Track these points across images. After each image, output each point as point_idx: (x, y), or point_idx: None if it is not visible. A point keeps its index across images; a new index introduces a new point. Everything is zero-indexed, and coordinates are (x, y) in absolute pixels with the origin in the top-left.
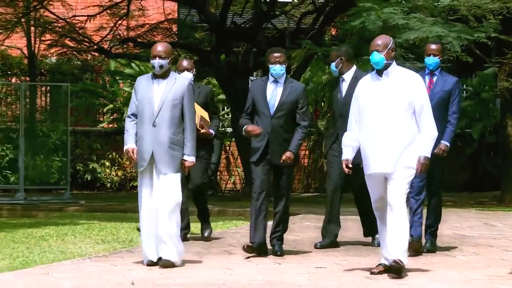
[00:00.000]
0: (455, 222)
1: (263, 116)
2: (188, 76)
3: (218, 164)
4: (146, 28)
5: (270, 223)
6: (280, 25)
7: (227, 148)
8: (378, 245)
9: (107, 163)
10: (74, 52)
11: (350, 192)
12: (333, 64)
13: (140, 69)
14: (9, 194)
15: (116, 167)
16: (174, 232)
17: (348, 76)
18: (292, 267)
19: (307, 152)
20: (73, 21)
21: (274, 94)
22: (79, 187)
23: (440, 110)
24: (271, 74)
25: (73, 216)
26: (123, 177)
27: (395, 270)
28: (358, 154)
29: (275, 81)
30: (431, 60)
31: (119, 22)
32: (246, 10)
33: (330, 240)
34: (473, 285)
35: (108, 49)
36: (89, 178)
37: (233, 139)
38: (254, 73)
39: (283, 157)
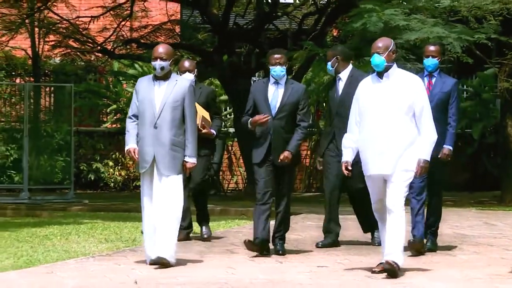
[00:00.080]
0: (456, 222)
1: None
2: (189, 77)
3: (220, 164)
4: (149, 29)
5: (272, 223)
6: (282, 26)
7: (230, 148)
8: (379, 244)
9: (111, 163)
10: (78, 53)
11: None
12: (329, 64)
13: (143, 69)
14: (14, 193)
15: (119, 167)
16: (173, 234)
17: (344, 75)
18: (293, 266)
19: (308, 152)
20: (77, 22)
21: (275, 95)
22: (83, 186)
23: (439, 111)
24: (271, 76)
25: (77, 216)
26: (126, 176)
27: (388, 271)
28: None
29: (276, 83)
30: (430, 62)
31: (123, 23)
32: (248, 11)
33: (331, 239)
34: (473, 284)
35: (112, 50)
36: (92, 178)
37: (235, 139)
38: (256, 74)
39: (281, 157)
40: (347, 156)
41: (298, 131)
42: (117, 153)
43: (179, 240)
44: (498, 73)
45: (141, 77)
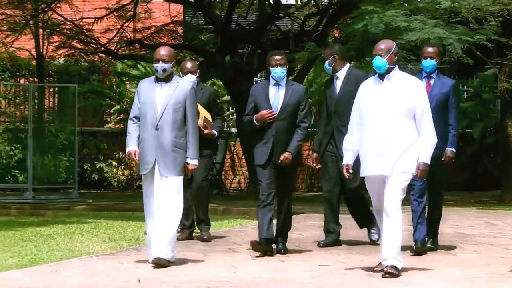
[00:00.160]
0: (456, 221)
1: None
2: (191, 79)
3: (223, 164)
4: (152, 30)
5: (274, 222)
6: (284, 27)
7: (232, 148)
8: (375, 240)
9: (114, 163)
10: (82, 54)
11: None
12: (326, 63)
13: (146, 70)
14: (18, 193)
15: (122, 167)
16: (173, 235)
17: (341, 74)
18: (295, 265)
19: (310, 152)
20: (81, 23)
21: (276, 96)
22: (87, 186)
23: (438, 113)
24: (272, 77)
25: (81, 215)
26: (129, 176)
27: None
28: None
29: (277, 84)
30: (428, 63)
31: (126, 24)
32: (250, 12)
33: (332, 238)
34: (473, 283)
35: (115, 50)
36: (96, 178)
37: (238, 139)
38: (258, 74)
39: (281, 158)
40: (348, 159)
41: (298, 132)
42: (120, 153)
43: (182, 239)
44: (498, 73)
45: (143, 79)
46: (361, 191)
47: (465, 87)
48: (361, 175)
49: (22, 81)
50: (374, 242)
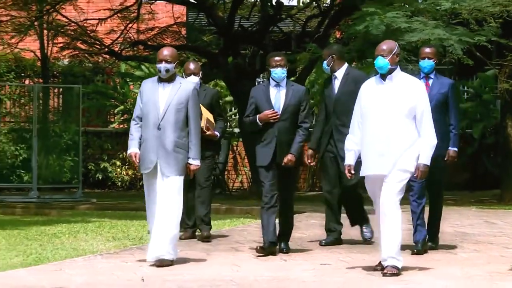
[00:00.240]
0: (456, 220)
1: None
2: (194, 80)
3: (225, 164)
4: (155, 31)
5: (276, 222)
6: (286, 29)
7: (235, 148)
8: (368, 238)
9: (118, 163)
10: (86, 55)
11: None
12: (324, 63)
13: (150, 71)
14: (23, 192)
15: (126, 167)
16: (174, 234)
17: (339, 73)
18: (297, 263)
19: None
20: (85, 24)
21: (277, 97)
22: (91, 186)
23: (438, 112)
24: (272, 78)
25: (85, 214)
26: (133, 176)
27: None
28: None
29: (277, 85)
30: (426, 63)
31: (130, 25)
32: (253, 13)
33: (334, 237)
34: (473, 282)
35: (119, 51)
36: (100, 177)
37: (240, 139)
38: (261, 75)
39: (285, 160)
40: (350, 159)
41: (300, 133)
42: (124, 153)
43: (185, 238)
44: (498, 74)
45: (146, 79)
46: (358, 189)
47: (466, 87)
48: (361, 174)
49: (27, 81)
50: (367, 241)
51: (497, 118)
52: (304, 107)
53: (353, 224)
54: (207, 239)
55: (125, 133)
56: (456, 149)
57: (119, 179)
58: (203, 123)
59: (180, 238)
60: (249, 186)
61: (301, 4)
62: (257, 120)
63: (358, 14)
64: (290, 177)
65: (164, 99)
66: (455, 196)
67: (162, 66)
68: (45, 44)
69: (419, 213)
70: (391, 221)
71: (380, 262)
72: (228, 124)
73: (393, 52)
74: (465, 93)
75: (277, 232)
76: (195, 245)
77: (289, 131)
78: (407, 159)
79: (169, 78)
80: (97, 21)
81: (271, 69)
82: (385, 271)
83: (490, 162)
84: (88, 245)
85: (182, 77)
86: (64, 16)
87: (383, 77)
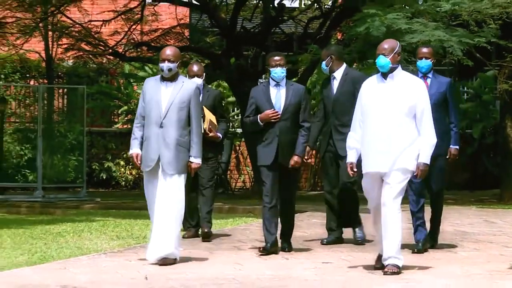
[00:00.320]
0: (456, 219)
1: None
2: (198, 81)
3: (228, 164)
4: (159, 33)
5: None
6: (288, 30)
7: (237, 148)
8: (360, 239)
9: (122, 162)
10: (90, 56)
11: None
12: (323, 63)
13: (153, 72)
14: (28, 192)
15: (130, 166)
16: (176, 232)
17: (338, 74)
18: (299, 262)
19: (313, 151)
20: (89, 26)
21: (278, 97)
22: (95, 185)
23: (437, 111)
24: (272, 78)
25: (89, 213)
26: (137, 175)
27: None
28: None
29: (277, 85)
30: (424, 63)
31: (133, 27)
32: (255, 15)
33: (335, 236)
34: (473, 280)
35: (123, 52)
36: (104, 177)
37: (243, 139)
38: (263, 76)
39: (291, 162)
40: (352, 157)
41: (302, 133)
42: (128, 153)
43: (188, 237)
44: (497, 75)
45: (148, 78)
46: (354, 188)
47: (465, 88)
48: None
49: (32, 82)
50: (358, 242)
51: (497, 119)
52: (305, 107)
53: (346, 225)
54: (206, 235)
55: (129, 133)
56: (457, 147)
57: (123, 179)
58: (206, 125)
59: (183, 237)
60: (252, 185)
61: (302, 6)
62: (258, 120)
63: (359, 16)
64: (292, 177)
65: (166, 98)
66: (455, 196)
67: (165, 65)
68: (50, 45)
69: (419, 213)
70: (392, 221)
71: (377, 260)
72: (231, 124)
73: (395, 51)
74: (465, 94)
75: (278, 231)
76: (198, 244)
77: (290, 130)
78: (407, 158)
79: (172, 77)
80: (101, 22)
81: (271, 69)
82: (385, 269)
83: (490, 162)
84: (92, 244)
85: (184, 77)
86: (68, 18)
87: (385, 75)
